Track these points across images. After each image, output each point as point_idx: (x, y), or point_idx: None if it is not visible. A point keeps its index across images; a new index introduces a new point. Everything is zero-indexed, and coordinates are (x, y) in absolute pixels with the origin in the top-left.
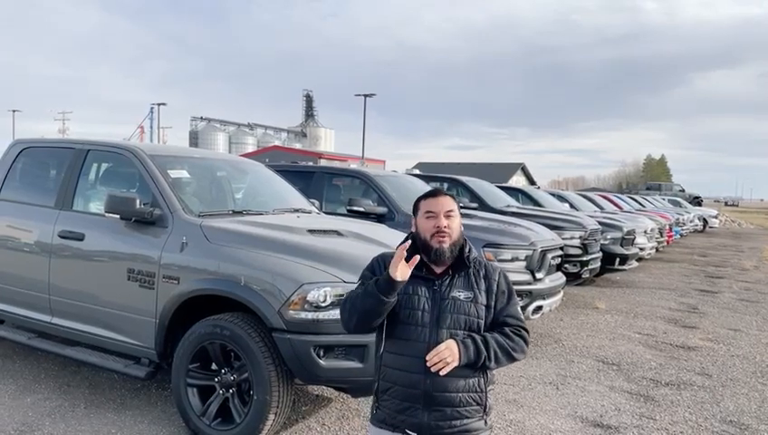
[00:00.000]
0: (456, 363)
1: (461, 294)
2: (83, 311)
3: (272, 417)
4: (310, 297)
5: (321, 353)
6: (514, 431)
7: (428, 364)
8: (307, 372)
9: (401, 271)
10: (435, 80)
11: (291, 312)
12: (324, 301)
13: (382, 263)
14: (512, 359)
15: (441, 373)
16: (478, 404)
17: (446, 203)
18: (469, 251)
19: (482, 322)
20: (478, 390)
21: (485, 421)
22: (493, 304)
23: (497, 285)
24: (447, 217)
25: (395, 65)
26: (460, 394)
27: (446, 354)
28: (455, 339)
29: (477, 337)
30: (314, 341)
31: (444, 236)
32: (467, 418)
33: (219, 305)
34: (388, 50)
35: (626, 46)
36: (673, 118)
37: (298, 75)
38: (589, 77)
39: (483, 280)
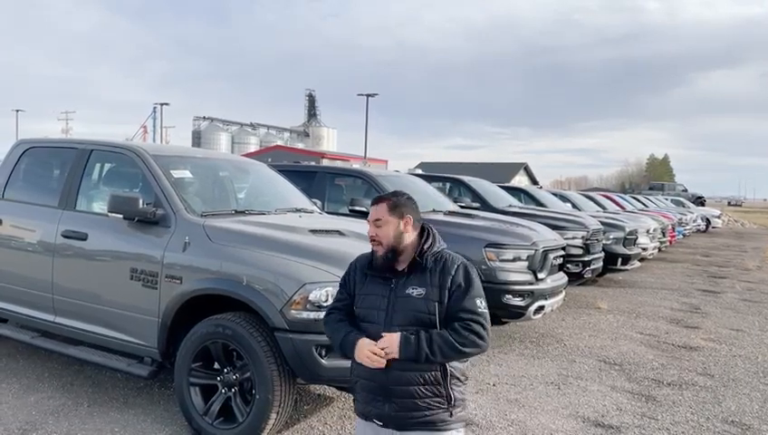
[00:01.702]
0: (395, 356)
1: (414, 291)
2: (86, 310)
3: (274, 416)
4: (312, 297)
5: (323, 353)
6: (516, 431)
7: (369, 357)
8: (309, 371)
9: (365, 357)
10: (436, 80)
11: (293, 311)
12: (326, 301)
13: (356, 268)
14: (462, 353)
15: (381, 366)
16: (439, 397)
17: (376, 212)
18: (428, 247)
19: (434, 317)
20: (436, 383)
21: (452, 413)
22: (446, 299)
23: (452, 280)
24: (376, 225)
25: (396, 65)
26: (417, 387)
27: (384, 345)
28: (400, 333)
29: (422, 333)
30: (316, 340)
31: (376, 245)
32: (428, 409)
33: (222, 305)
34: (390, 50)
35: (627, 46)
36: (675, 117)
37: (300, 75)
38: (590, 77)
39: (439, 275)
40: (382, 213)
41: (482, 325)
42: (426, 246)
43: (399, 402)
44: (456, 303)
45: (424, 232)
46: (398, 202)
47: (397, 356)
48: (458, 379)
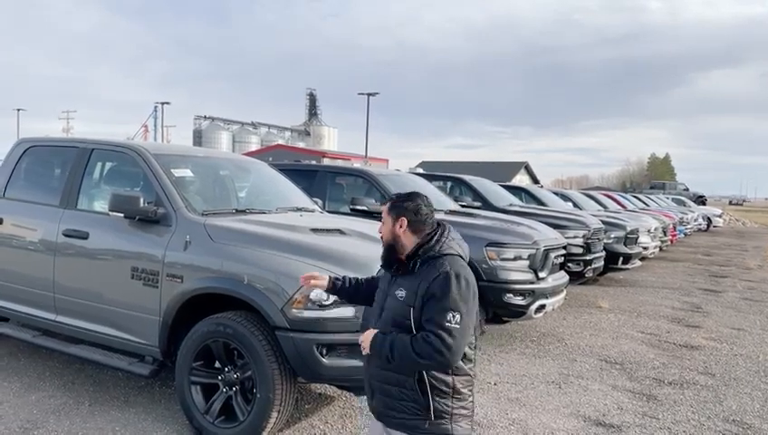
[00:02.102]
0: (366, 350)
1: (399, 293)
2: (88, 309)
3: (275, 415)
4: (313, 296)
5: (324, 352)
6: (517, 430)
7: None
8: (310, 370)
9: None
10: (437, 79)
11: (294, 310)
12: (327, 299)
13: None
14: (417, 363)
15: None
16: (415, 403)
17: (383, 209)
18: (423, 251)
19: (408, 321)
20: (409, 388)
21: (429, 423)
22: (418, 305)
23: (428, 288)
24: (382, 221)
25: (396, 65)
26: (394, 388)
27: (362, 339)
28: (376, 331)
29: (392, 334)
30: (317, 339)
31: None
32: (404, 413)
33: (223, 304)
34: (390, 49)
35: (628, 46)
36: (676, 117)
37: (300, 75)
38: (591, 76)
39: (422, 280)
40: (384, 211)
41: (442, 340)
42: (420, 250)
43: (380, 398)
44: (426, 312)
45: (434, 234)
46: (395, 204)
47: (368, 352)
48: (441, 391)
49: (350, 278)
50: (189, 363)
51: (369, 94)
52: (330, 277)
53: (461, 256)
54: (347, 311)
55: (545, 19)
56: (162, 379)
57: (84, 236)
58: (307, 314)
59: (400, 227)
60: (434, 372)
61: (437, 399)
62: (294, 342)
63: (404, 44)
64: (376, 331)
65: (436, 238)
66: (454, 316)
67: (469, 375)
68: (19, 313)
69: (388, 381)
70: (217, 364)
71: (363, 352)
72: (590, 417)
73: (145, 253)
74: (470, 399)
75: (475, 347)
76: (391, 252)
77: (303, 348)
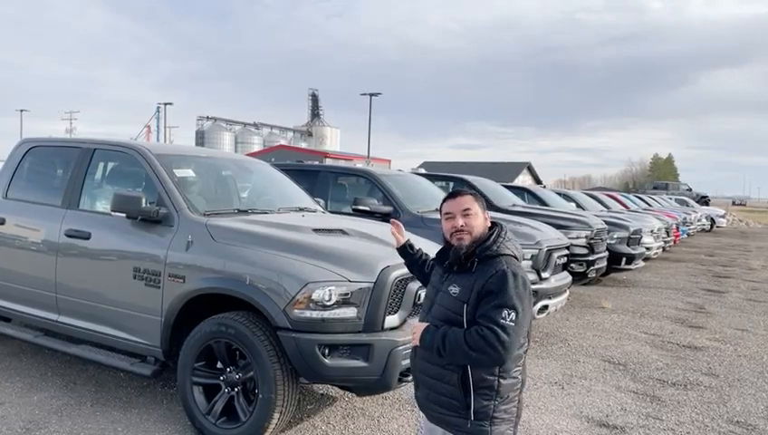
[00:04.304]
0: (416, 342)
1: (452, 289)
2: (90, 309)
3: (277, 415)
4: (315, 296)
5: (326, 352)
6: (520, 431)
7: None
8: (312, 370)
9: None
10: (440, 79)
11: (296, 311)
12: (329, 300)
13: (436, 257)
14: (468, 357)
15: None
16: (457, 400)
17: (463, 202)
18: (482, 249)
19: (460, 317)
20: (453, 384)
21: (469, 423)
22: (473, 301)
23: (485, 284)
24: (465, 215)
25: (400, 65)
26: (437, 382)
27: (414, 331)
28: (427, 324)
29: (444, 328)
30: (319, 339)
31: (462, 234)
32: (446, 409)
33: (225, 304)
34: (394, 49)
35: (631, 45)
36: (679, 117)
37: (303, 75)
38: (594, 76)
39: (477, 278)
40: (471, 203)
41: (496, 335)
42: (478, 249)
43: (424, 391)
44: (481, 308)
45: (491, 233)
46: (478, 196)
47: (418, 344)
48: (484, 391)
49: (419, 249)
50: (191, 364)
51: (371, 94)
52: (408, 240)
53: (516, 257)
54: (349, 311)
55: (550, 18)
56: (164, 379)
57: (86, 237)
58: (309, 314)
59: (486, 219)
60: (479, 371)
61: (479, 399)
62: (296, 342)
63: (408, 44)
64: (427, 323)
65: (493, 238)
66: (509, 313)
67: (516, 378)
68: (21, 313)
69: (431, 374)
70: (219, 365)
71: (412, 344)
72: (593, 418)
73: (147, 253)
74: (514, 403)
75: (525, 351)
76: (477, 246)
77: (305, 348)
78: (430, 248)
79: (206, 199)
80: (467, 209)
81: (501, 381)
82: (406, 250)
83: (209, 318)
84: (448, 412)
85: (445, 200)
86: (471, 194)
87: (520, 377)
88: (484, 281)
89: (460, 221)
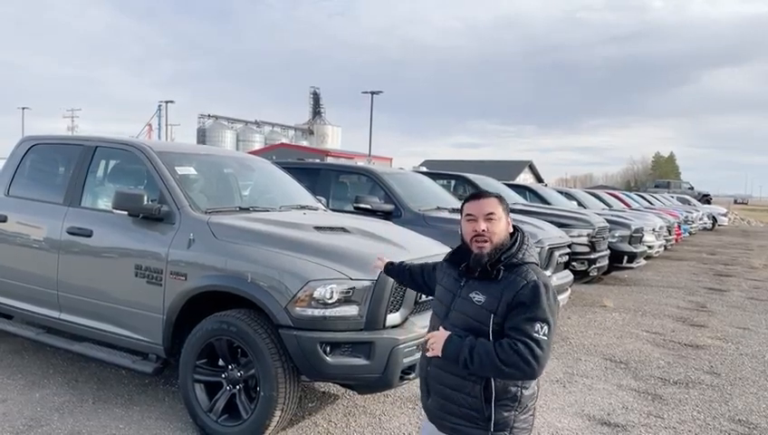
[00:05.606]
0: (437, 353)
1: (476, 296)
2: (91, 307)
3: (278, 413)
4: (316, 294)
5: (328, 350)
6: None
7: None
8: (313, 368)
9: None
10: (441, 78)
11: (297, 308)
12: (331, 298)
13: (448, 259)
14: (500, 371)
15: (428, 355)
16: (477, 411)
17: (487, 205)
18: (507, 257)
19: (486, 328)
20: (474, 395)
21: (489, 434)
22: (501, 312)
23: (515, 296)
24: (488, 220)
25: (401, 63)
26: (455, 392)
27: (434, 340)
28: (450, 333)
29: (470, 338)
30: (321, 337)
31: (483, 242)
32: (464, 420)
33: (226, 302)
34: (395, 48)
35: (632, 44)
36: (681, 115)
37: (305, 73)
38: (596, 75)
39: (504, 288)
40: (495, 207)
41: (531, 350)
42: (503, 256)
43: (436, 400)
44: (512, 320)
45: (515, 240)
46: (503, 198)
47: (439, 354)
48: (506, 401)
49: (401, 263)
50: (193, 361)
51: (372, 93)
52: (386, 262)
53: (539, 265)
54: (350, 309)
55: (551, 17)
56: (165, 377)
57: (88, 234)
58: (311, 312)
59: (509, 224)
60: (503, 381)
61: (500, 410)
62: (298, 340)
63: (410, 43)
64: (449, 333)
65: (517, 245)
66: (542, 327)
67: (535, 388)
68: (23, 310)
69: (449, 384)
70: (221, 362)
71: (429, 353)
72: (594, 416)
73: (149, 251)
74: (531, 412)
75: None
76: (499, 253)
77: (307, 346)
78: (432, 245)
79: (207, 197)
80: (491, 214)
81: (523, 391)
82: (389, 270)
83: (211, 316)
84: (466, 423)
85: (468, 200)
86: (496, 196)
87: (538, 386)
88: (514, 292)
89: (482, 225)
